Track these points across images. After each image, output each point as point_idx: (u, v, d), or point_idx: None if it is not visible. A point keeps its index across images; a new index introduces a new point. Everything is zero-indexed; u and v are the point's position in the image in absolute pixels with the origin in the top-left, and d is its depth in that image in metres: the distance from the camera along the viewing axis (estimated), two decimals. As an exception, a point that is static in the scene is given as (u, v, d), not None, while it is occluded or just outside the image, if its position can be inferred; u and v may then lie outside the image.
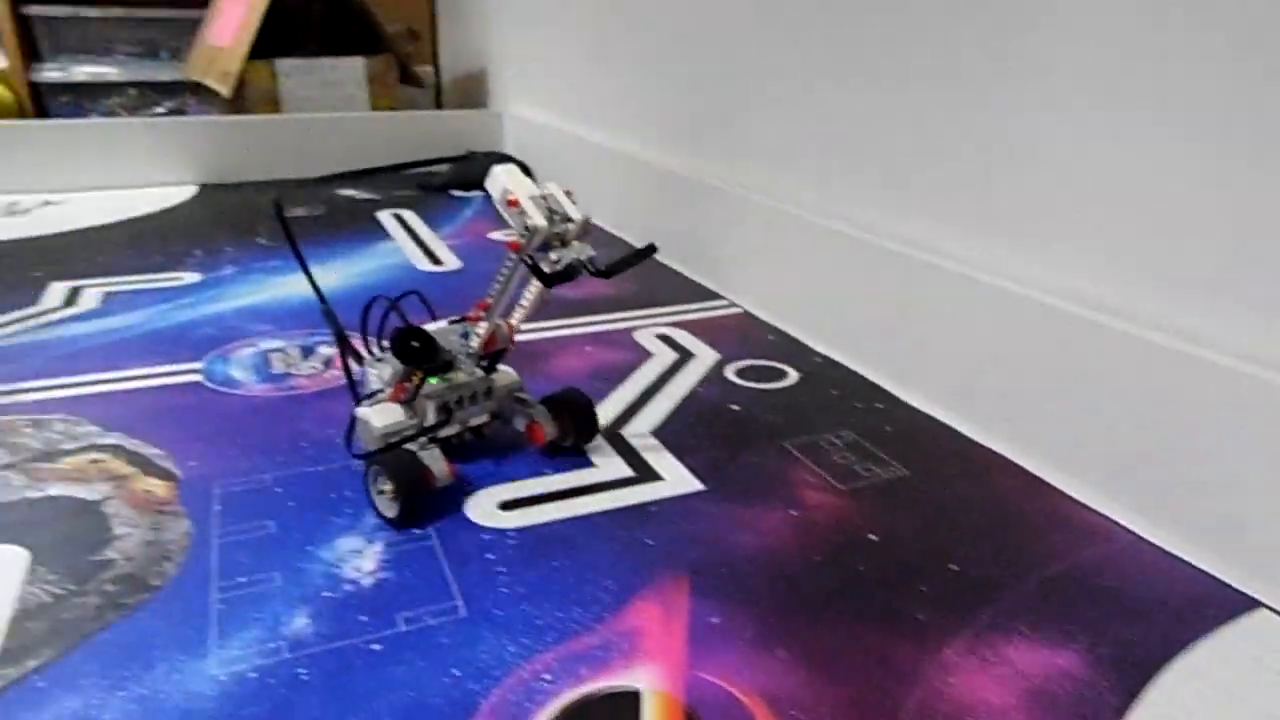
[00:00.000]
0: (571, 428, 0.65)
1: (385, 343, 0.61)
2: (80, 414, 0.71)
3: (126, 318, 0.92)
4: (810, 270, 0.89)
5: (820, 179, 0.90)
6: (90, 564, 0.52)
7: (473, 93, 2.03)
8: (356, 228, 1.31)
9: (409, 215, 1.38)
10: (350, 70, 1.74)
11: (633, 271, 1.11)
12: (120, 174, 1.50)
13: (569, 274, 0.57)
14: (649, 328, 0.93)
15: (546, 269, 0.56)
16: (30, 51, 1.96)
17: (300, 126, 1.63)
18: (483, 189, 1.57)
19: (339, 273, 1.09)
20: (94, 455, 0.64)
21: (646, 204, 1.22)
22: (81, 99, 2.02)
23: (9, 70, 1.93)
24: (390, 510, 0.57)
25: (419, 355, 0.60)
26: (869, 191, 0.84)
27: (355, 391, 0.62)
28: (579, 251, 0.57)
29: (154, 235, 1.24)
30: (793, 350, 0.87)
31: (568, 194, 0.58)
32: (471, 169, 1.59)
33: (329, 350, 0.85)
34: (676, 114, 1.17)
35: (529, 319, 0.64)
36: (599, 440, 0.68)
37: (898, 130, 0.79)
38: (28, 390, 0.75)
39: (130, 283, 1.03)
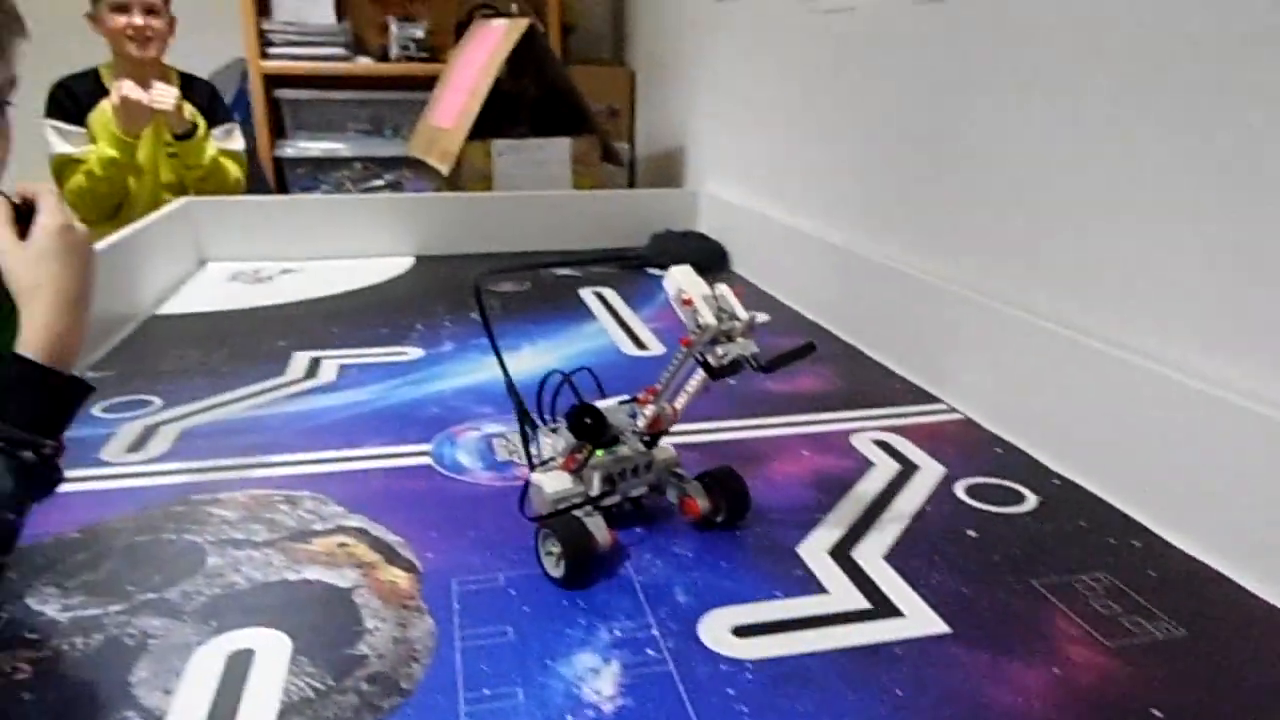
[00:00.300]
0: (724, 505, 0.69)
1: (560, 417, 0.68)
2: (326, 492, 0.75)
3: (359, 392, 0.98)
4: (1044, 380, 0.83)
5: (1059, 281, 0.85)
6: (346, 658, 0.54)
7: (667, 171, 2.08)
8: (561, 305, 1.35)
9: (610, 294, 1.41)
10: (557, 150, 1.83)
11: (844, 367, 1.08)
12: (347, 245, 1.63)
13: (734, 368, 0.63)
14: (865, 431, 0.89)
15: (713, 363, 0.63)
16: (276, 129, 2.17)
17: (508, 203, 1.72)
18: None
19: (549, 354, 1.12)
20: (341, 539, 0.68)
21: (851, 294, 1.20)
22: (315, 172, 2.22)
23: (259, 146, 2.15)
24: (556, 571, 0.62)
25: (590, 431, 0.66)
26: (1115, 300, 0.78)
27: (530, 459, 0.69)
28: (744, 348, 0.63)
29: (379, 307, 1.33)
30: (1026, 468, 0.81)
31: (737, 294, 0.65)
32: (668, 248, 1.61)
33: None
34: (888, 202, 1.15)
35: (689, 405, 0.69)
36: (830, 565, 0.65)
37: (1157, 230, 0.73)
38: (282, 464, 0.80)
39: (361, 356, 1.10)
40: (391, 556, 0.65)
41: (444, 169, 1.72)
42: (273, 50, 2.10)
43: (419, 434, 0.87)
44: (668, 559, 0.65)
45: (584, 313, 1.32)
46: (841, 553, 0.66)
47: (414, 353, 1.12)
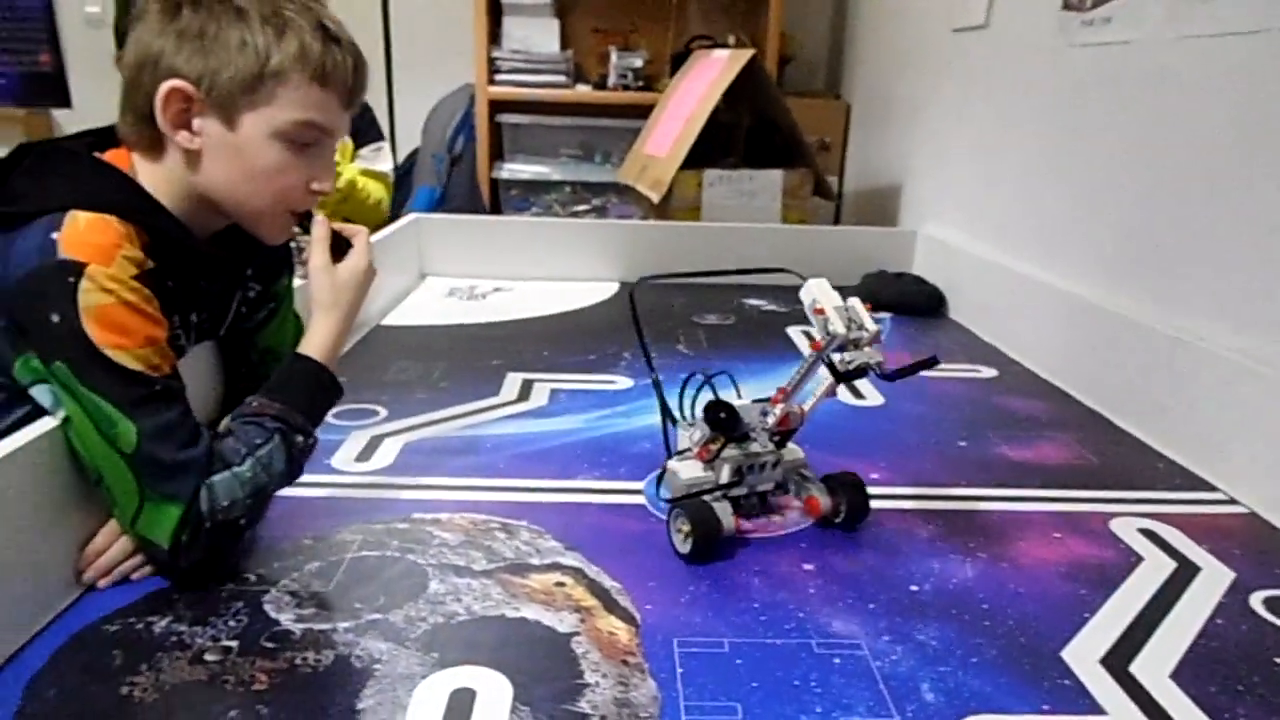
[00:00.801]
0: (845, 506, 0.74)
1: (700, 411, 0.74)
2: (542, 524, 0.73)
3: (571, 420, 0.97)
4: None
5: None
6: (567, 715, 0.51)
7: (878, 209, 1.99)
8: (769, 343, 1.30)
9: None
10: (768, 182, 1.78)
11: (1091, 437, 0.97)
12: (555, 267, 1.65)
13: (858, 373, 0.70)
14: (1126, 516, 0.78)
15: (839, 366, 0.69)
16: (495, 152, 2.26)
17: (717, 234, 1.69)
18: (892, 310, 1.50)
19: (758, 395, 1.07)
20: (559, 577, 0.66)
21: (1097, 354, 1.07)
22: (527, 194, 2.29)
23: (479, 168, 2.24)
24: (684, 548, 0.69)
25: (724, 425, 0.73)
26: None
27: (669, 448, 0.76)
28: (869, 356, 0.69)
29: (586, 332, 1.33)
30: (1338, 583, 0.68)
31: (868, 307, 0.71)
32: (884, 289, 1.53)
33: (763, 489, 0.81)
34: (1149, 253, 1.02)
35: (816, 408, 0.76)
36: (1104, 677, 0.56)
37: None
38: (499, 489, 0.80)
39: (571, 382, 1.10)
40: (610, 604, 0.62)
41: (655, 196, 1.72)
42: (499, 77, 2.19)
43: (631, 470, 0.85)
44: (910, 647, 0.58)
45: (793, 353, 1.26)
46: (1117, 664, 0.57)
47: (622, 382, 1.10)
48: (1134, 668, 0.57)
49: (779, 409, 0.74)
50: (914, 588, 0.66)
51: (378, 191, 1.75)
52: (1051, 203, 1.25)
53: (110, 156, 0.67)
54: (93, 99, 1.24)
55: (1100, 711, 0.53)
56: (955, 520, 0.77)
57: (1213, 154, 0.92)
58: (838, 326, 0.69)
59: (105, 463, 0.60)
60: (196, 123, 0.65)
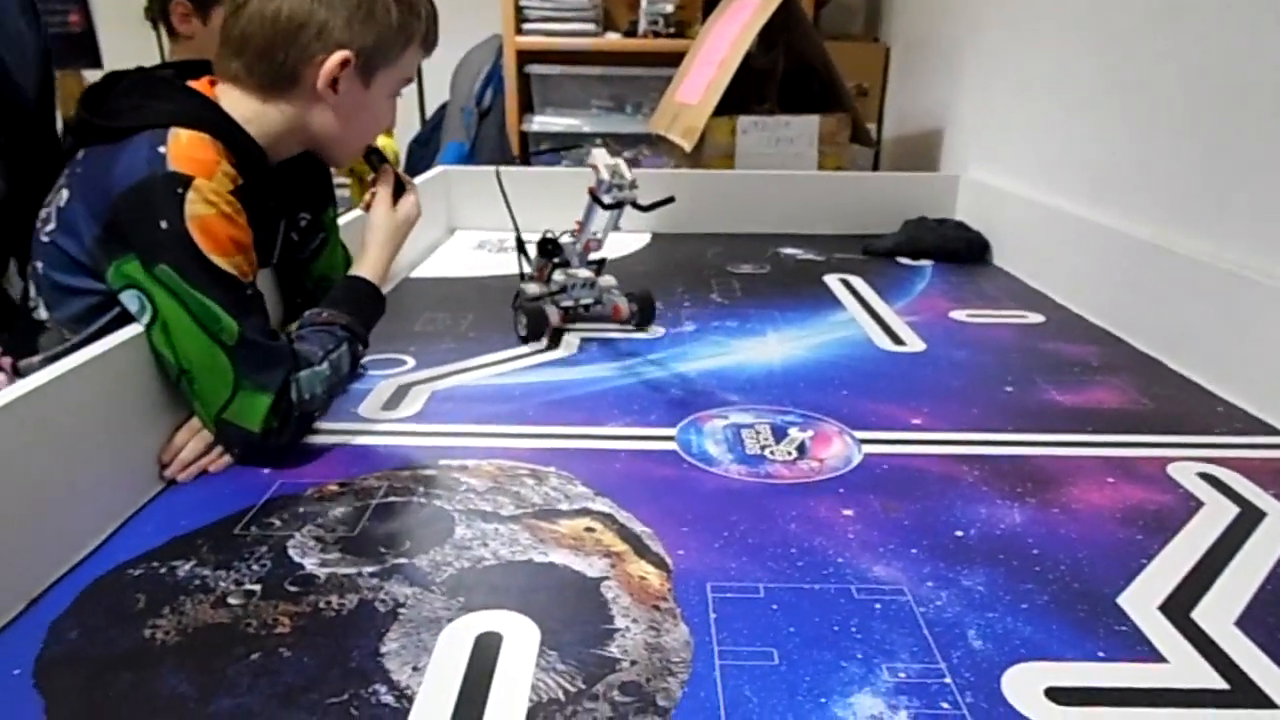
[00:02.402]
0: (637, 307, 1.06)
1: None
2: (571, 471, 0.71)
3: (601, 368, 0.95)
4: None
5: None
6: (596, 659, 0.49)
7: (919, 154, 1.92)
8: (805, 292, 1.26)
9: (858, 283, 1.31)
10: (804, 128, 1.73)
11: (1145, 381, 0.92)
12: (587, 219, 1.62)
13: (619, 205, 0.93)
14: (1184, 461, 0.74)
15: (605, 199, 0.93)
16: (525, 105, 2.22)
17: (751, 182, 1.65)
18: (934, 257, 1.45)
19: (795, 342, 1.04)
20: (588, 522, 0.64)
21: (1151, 296, 1.02)
22: (556, 146, 2.25)
23: (508, 121, 2.21)
24: (522, 332, 1.01)
25: (550, 252, 1.05)
26: None
27: (522, 273, 1.07)
28: (627, 195, 0.92)
29: (618, 282, 1.30)
30: None
31: (630, 163, 0.96)
32: (924, 236, 1.48)
33: (800, 434, 0.79)
34: (1209, 190, 0.96)
35: (604, 235, 1.02)
36: (1164, 624, 0.53)
37: None
38: (527, 435, 0.78)
39: (602, 331, 1.07)
40: (640, 549, 0.60)
41: (687, 145, 1.68)
42: (527, 26, 2.14)
43: (662, 416, 0.82)
44: (956, 592, 0.56)
45: (831, 301, 1.22)
46: (1178, 610, 0.54)
47: (654, 331, 1.08)
48: (1196, 614, 0.54)
49: (582, 238, 1.02)
50: (959, 533, 0.63)
51: (392, 147, 1.78)
52: (1100, 141, 1.19)
53: (196, 85, 0.76)
54: (122, 57, 1.23)
55: (1160, 659, 0.50)
56: (1002, 466, 0.73)
57: (1276, 81, 0.86)
58: (604, 174, 0.92)
59: (203, 357, 0.67)
60: (343, 85, 0.76)
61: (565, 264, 1.05)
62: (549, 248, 1.04)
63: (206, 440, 0.70)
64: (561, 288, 1.04)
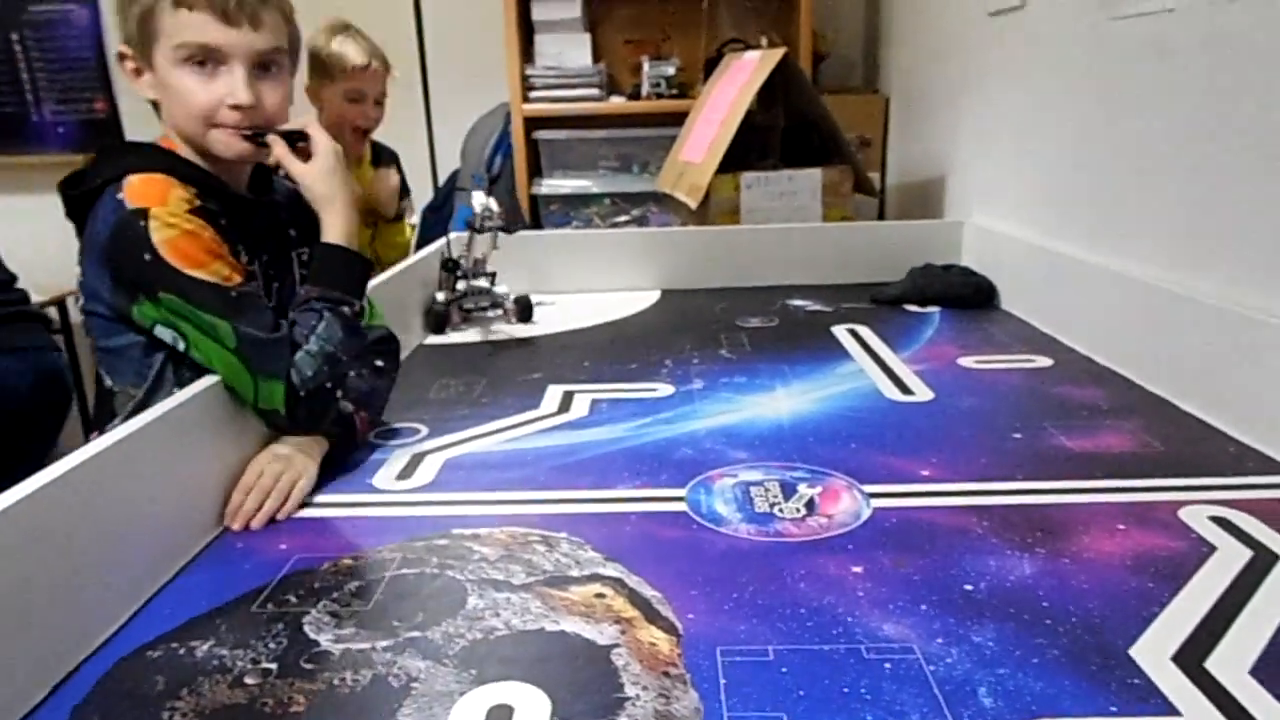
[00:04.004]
0: (519, 307, 1.42)
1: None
2: (582, 536, 0.72)
3: (612, 429, 0.96)
4: None
5: None
6: (607, 729, 0.49)
7: (922, 202, 1.95)
8: (813, 344, 1.27)
9: (865, 332, 1.32)
10: (806, 181, 1.76)
11: (1155, 422, 0.92)
12: (596, 278, 1.65)
13: (486, 229, 1.36)
14: (1196, 504, 0.74)
15: (478, 226, 1.37)
16: (533, 168, 2.27)
17: (757, 236, 1.67)
18: (941, 303, 1.46)
19: (803, 396, 1.05)
20: (599, 588, 0.64)
21: (1159, 337, 1.02)
22: (566, 208, 2.30)
23: (518, 185, 2.25)
24: (428, 328, 1.38)
25: (449, 267, 1.41)
26: None
27: (441, 288, 1.41)
28: (496, 222, 1.38)
29: (628, 341, 1.32)
30: None
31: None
32: (930, 283, 1.49)
33: (809, 490, 0.79)
34: (1199, 227, 0.97)
35: (487, 252, 1.42)
36: (1177, 675, 0.52)
37: None
38: (538, 501, 0.79)
39: (612, 391, 1.09)
40: (651, 614, 0.61)
41: (692, 203, 1.71)
42: (534, 94, 2.20)
43: (673, 477, 0.83)
44: (965, 649, 0.56)
45: (839, 352, 1.23)
46: (1191, 660, 0.54)
47: (664, 389, 1.09)
48: (1210, 664, 0.53)
49: (470, 259, 1.41)
50: (968, 587, 0.63)
51: (409, 236, 1.83)
52: (1103, 184, 1.20)
53: (163, 142, 0.85)
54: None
55: (1174, 712, 0.49)
56: (1011, 515, 0.73)
57: (1273, 121, 0.88)
58: (478, 210, 1.34)
59: (221, 363, 0.76)
60: (142, 76, 0.82)
61: (465, 277, 1.41)
62: (450, 265, 1.41)
63: (265, 490, 0.76)
64: (463, 294, 1.41)
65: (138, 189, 0.78)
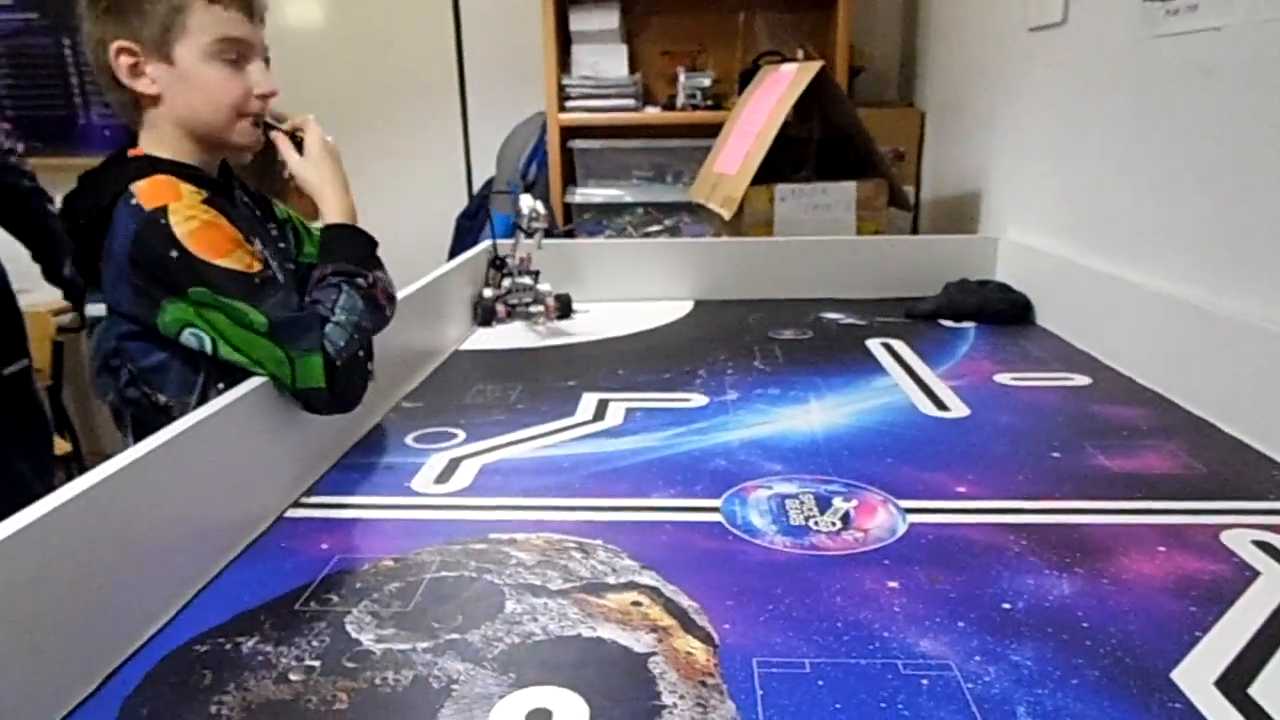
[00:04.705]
0: (562, 305, 1.53)
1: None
2: (618, 543, 0.73)
3: (646, 438, 0.97)
4: None
5: None
6: (645, 736, 0.50)
7: (957, 216, 1.94)
8: (847, 357, 1.27)
9: (899, 346, 1.32)
10: (841, 194, 1.76)
11: (1197, 445, 0.91)
12: (629, 288, 1.66)
13: (532, 232, 1.45)
14: (1239, 528, 0.73)
15: (525, 227, 1.46)
16: (568, 177, 2.29)
17: (790, 249, 1.67)
18: (976, 319, 1.45)
19: (838, 409, 1.05)
20: (635, 596, 0.65)
21: (1195, 354, 1.01)
22: (600, 217, 2.31)
23: (552, 194, 2.27)
24: (479, 320, 1.50)
25: (496, 266, 1.55)
26: None
27: (488, 283, 1.54)
28: (541, 224, 1.46)
29: (662, 351, 1.33)
30: None
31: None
32: (965, 299, 1.48)
33: (844, 504, 0.79)
34: (1241, 247, 0.96)
35: (530, 250, 1.51)
36: (1220, 701, 0.52)
37: None
38: (574, 508, 0.80)
39: (646, 400, 1.09)
40: (687, 623, 0.61)
41: (726, 214, 1.71)
42: (570, 103, 2.22)
43: (707, 488, 0.84)
44: (1004, 668, 0.55)
45: (873, 366, 1.23)
46: (1235, 686, 0.53)
47: (698, 399, 1.09)
48: (1254, 690, 0.53)
49: (516, 258, 1.50)
50: (1006, 605, 0.62)
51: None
52: (1142, 202, 1.19)
53: (132, 153, 0.85)
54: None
55: (1220, 740, 0.49)
56: (1050, 535, 0.73)
57: (1319, 140, 0.87)
58: (525, 212, 1.42)
59: (255, 349, 0.78)
60: (150, 70, 0.82)
61: (511, 274, 1.51)
62: (498, 263, 1.52)
63: None
64: (508, 290, 1.51)
65: (149, 191, 0.79)
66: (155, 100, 0.84)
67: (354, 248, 0.89)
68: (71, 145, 2.68)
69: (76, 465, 1.80)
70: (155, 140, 0.86)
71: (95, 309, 1.23)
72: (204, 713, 0.52)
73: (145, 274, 0.78)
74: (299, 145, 0.91)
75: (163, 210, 0.78)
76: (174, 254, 0.77)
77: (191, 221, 0.78)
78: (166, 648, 0.59)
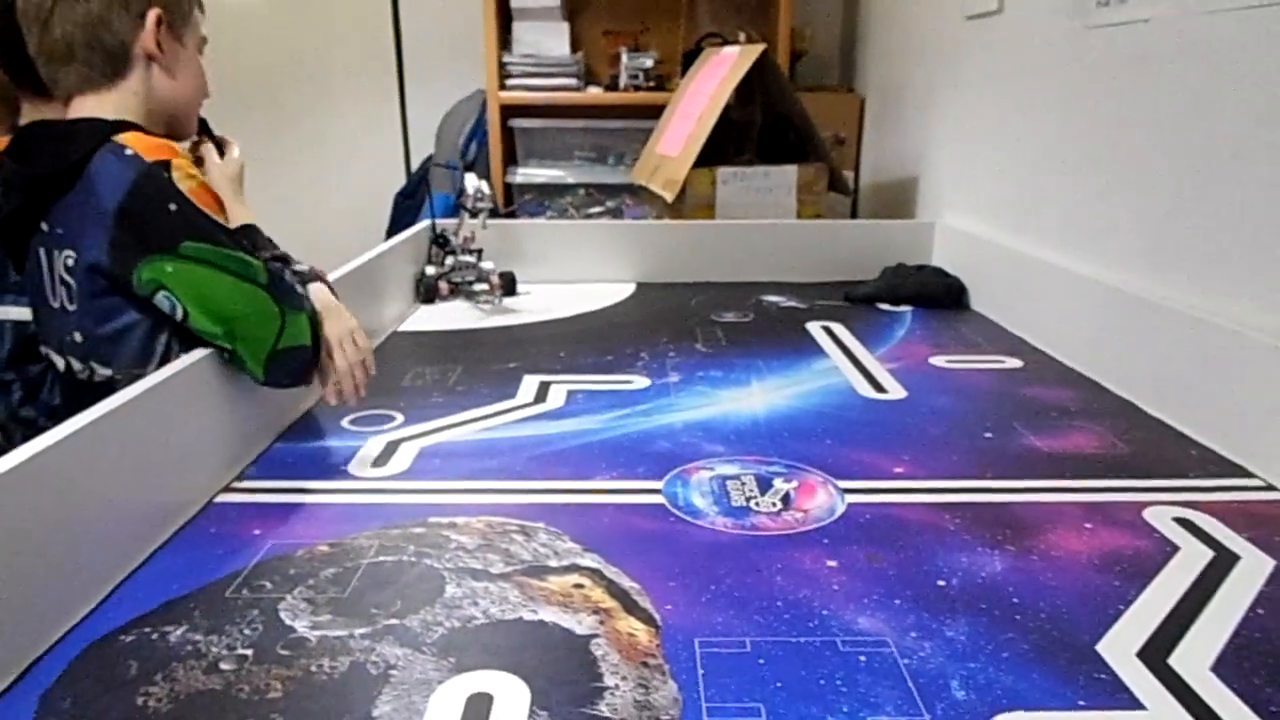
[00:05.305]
0: (504, 282, 1.51)
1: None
2: (559, 526, 0.72)
3: (588, 420, 0.96)
4: None
5: None
6: (586, 718, 0.50)
7: (895, 201, 1.97)
8: (788, 340, 1.28)
9: (839, 329, 1.33)
10: (782, 178, 1.77)
11: (1121, 426, 0.94)
12: (570, 269, 1.65)
13: (476, 212, 1.47)
14: (1160, 505, 0.76)
15: (468, 206, 1.49)
16: (509, 157, 2.26)
17: (732, 232, 1.68)
18: (913, 303, 1.48)
19: (779, 391, 1.06)
20: (577, 579, 0.64)
21: (1125, 341, 1.05)
22: (541, 198, 2.29)
23: (492, 173, 2.24)
24: (419, 299, 1.49)
25: (440, 243, 1.54)
26: None
27: (430, 260, 1.55)
28: (485, 204, 1.48)
29: (603, 333, 1.32)
30: (1385, 569, 0.66)
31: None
32: (903, 283, 1.51)
33: (784, 485, 0.80)
34: (1168, 234, 1.00)
35: (475, 229, 1.52)
36: (1142, 671, 0.54)
37: None
38: (515, 491, 0.79)
39: (588, 382, 1.09)
40: (629, 605, 0.61)
41: (669, 196, 1.71)
42: (510, 81, 2.18)
43: (649, 469, 0.84)
44: (938, 643, 0.57)
45: (813, 348, 1.24)
46: (1156, 657, 0.55)
47: (640, 382, 1.09)
48: (1173, 660, 0.55)
49: (461, 234, 1.51)
50: (941, 583, 0.64)
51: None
52: (1074, 189, 1.23)
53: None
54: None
55: (1139, 706, 0.51)
56: (983, 513, 0.75)
57: (1242, 132, 0.90)
58: (470, 191, 1.45)
59: (250, 304, 0.77)
60: (164, 45, 0.83)
61: (454, 253, 1.51)
62: (441, 241, 1.53)
63: (354, 361, 0.86)
64: (451, 269, 1.50)
65: (148, 145, 0.78)
66: (162, 74, 0.84)
67: (271, 247, 0.91)
68: None
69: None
70: (113, 106, 0.82)
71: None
72: (130, 704, 0.51)
73: (134, 226, 0.75)
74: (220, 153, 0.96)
75: (165, 164, 0.77)
76: (173, 206, 0.76)
77: (192, 180, 0.79)
78: (89, 638, 0.57)
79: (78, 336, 0.80)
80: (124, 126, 0.79)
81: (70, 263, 0.78)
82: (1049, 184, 1.30)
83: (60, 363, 0.82)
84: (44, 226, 0.79)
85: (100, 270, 0.76)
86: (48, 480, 0.57)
